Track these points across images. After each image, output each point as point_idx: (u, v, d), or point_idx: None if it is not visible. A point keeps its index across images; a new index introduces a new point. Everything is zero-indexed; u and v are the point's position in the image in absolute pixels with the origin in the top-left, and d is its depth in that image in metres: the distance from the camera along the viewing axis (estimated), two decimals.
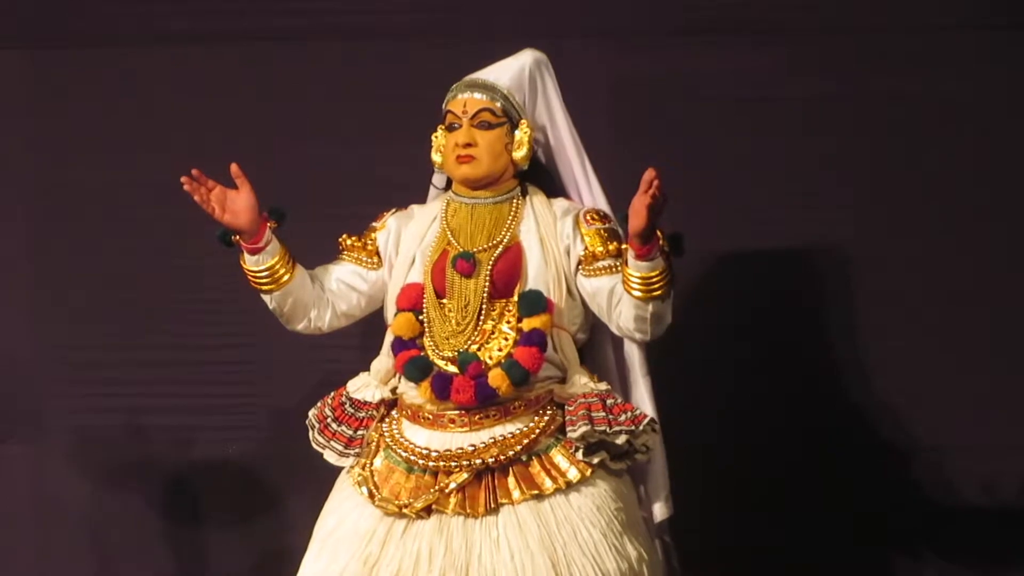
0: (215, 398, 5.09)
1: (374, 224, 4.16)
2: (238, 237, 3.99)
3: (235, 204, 3.96)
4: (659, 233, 3.83)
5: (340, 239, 4.16)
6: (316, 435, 4.07)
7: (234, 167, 3.94)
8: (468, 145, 4.03)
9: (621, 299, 3.94)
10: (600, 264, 4.01)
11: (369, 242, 4.13)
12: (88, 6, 5.13)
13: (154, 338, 5.10)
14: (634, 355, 4.13)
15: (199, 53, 5.09)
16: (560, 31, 4.93)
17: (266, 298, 4.08)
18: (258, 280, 4.04)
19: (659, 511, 4.13)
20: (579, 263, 4.03)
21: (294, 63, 5.08)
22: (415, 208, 4.19)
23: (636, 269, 3.86)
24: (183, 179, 3.90)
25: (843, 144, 4.96)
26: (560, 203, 4.12)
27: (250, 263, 4.02)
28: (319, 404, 4.10)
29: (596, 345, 4.15)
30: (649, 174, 3.75)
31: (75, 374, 5.11)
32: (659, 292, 3.86)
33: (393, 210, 4.18)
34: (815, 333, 4.96)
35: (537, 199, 4.11)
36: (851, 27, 4.97)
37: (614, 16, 5.02)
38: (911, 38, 4.95)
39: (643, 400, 4.11)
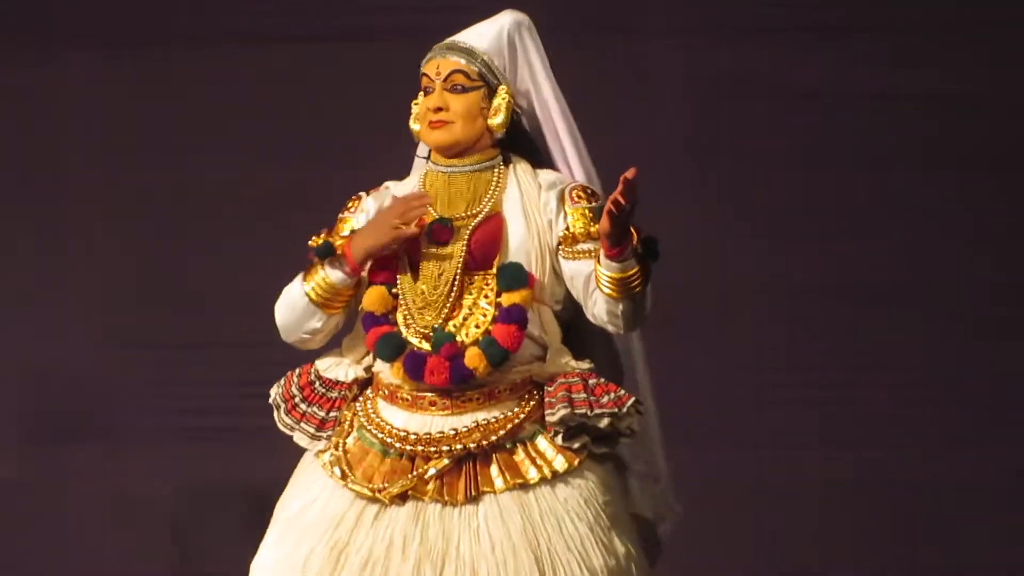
0: None
1: (346, 215, 3.90)
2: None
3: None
4: (634, 233, 3.58)
5: (312, 240, 3.84)
6: (282, 415, 3.85)
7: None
8: (439, 109, 3.81)
9: (596, 289, 3.71)
10: (581, 247, 3.75)
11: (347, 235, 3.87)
12: (159, 5, 5.17)
13: (223, 336, 5.13)
14: (630, 341, 3.89)
15: (265, 52, 5.11)
16: (636, 27, 4.91)
17: (320, 314, 3.81)
18: (328, 297, 3.79)
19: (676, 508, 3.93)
20: (559, 242, 3.79)
21: (360, 63, 5.07)
22: (390, 184, 3.96)
23: (607, 268, 3.63)
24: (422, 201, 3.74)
25: (920, 142, 4.87)
26: (547, 175, 3.88)
27: (336, 280, 3.79)
28: (282, 382, 3.88)
29: (583, 323, 3.86)
30: (628, 174, 3.49)
31: (146, 374, 5.19)
32: (637, 290, 3.63)
33: (363, 192, 3.93)
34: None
35: (521, 167, 3.87)
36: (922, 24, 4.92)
37: (690, 13, 4.97)
38: (982, 35, 4.86)
39: (643, 389, 3.87)
